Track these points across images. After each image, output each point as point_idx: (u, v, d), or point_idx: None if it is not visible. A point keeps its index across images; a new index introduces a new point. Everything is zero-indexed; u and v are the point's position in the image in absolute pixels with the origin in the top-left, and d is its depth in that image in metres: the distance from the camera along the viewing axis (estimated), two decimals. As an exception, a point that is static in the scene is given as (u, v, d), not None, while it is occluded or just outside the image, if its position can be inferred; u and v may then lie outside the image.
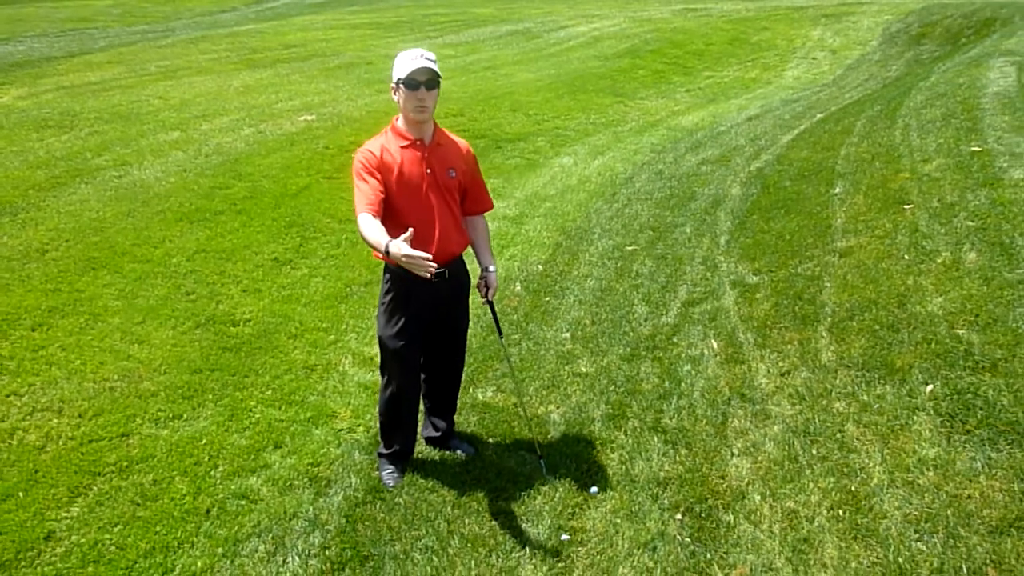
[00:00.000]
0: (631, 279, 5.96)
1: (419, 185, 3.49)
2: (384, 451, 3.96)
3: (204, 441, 4.19)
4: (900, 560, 2.92)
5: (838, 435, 3.68)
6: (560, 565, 3.26)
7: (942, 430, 3.50)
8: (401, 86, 3.38)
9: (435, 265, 3.06)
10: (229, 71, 13.47)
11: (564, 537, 3.40)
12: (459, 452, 4.05)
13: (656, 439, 3.98)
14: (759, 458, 3.68)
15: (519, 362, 4.90)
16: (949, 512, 3.07)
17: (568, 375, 4.73)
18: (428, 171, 3.51)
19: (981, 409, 3.53)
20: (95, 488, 3.83)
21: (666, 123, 11.47)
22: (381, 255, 3.22)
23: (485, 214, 3.89)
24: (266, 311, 5.66)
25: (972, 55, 11.12)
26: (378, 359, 3.88)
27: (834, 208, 6.28)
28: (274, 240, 6.86)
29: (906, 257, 5.03)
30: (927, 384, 3.80)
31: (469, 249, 3.80)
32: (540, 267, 6.39)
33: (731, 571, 3.07)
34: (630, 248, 6.58)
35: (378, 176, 3.41)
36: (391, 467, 3.93)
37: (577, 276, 6.15)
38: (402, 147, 3.48)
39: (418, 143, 3.51)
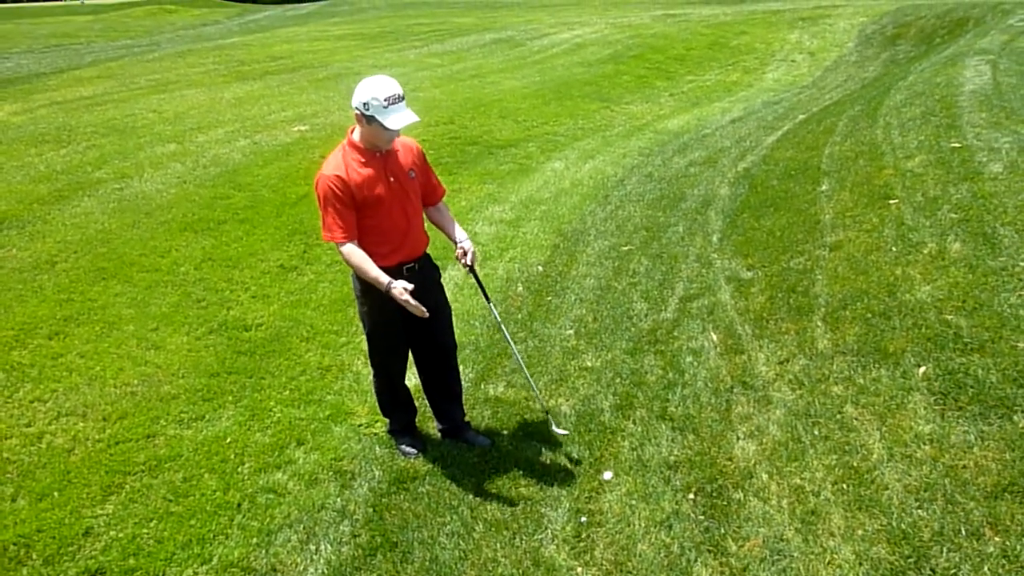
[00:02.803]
0: (629, 277, 6.16)
1: (386, 196, 3.62)
2: (395, 427, 4.30)
3: (228, 440, 4.34)
4: (903, 526, 3.12)
5: (838, 416, 3.88)
6: (581, 545, 3.44)
7: (936, 407, 3.71)
8: (377, 126, 3.47)
9: (427, 313, 3.58)
10: (219, 84, 13.59)
11: (583, 519, 3.58)
12: (476, 445, 4.22)
13: (664, 426, 4.16)
14: (764, 440, 3.87)
15: (527, 359, 5.07)
16: (946, 481, 3.27)
17: (575, 369, 4.91)
18: (391, 179, 3.65)
19: (972, 387, 3.74)
20: (127, 486, 3.96)
21: (652, 127, 11.71)
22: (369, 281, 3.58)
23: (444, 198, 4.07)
24: (276, 316, 5.80)
25: (947, 55, 11.45)
26: None
27: (821, 205, 6.51)
28: (278, 248, 7.00)
29: (894, 249, 5.25)
30: (920, 366, 4.01)
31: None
32: (540, 268, 6.57)
33: (745, 543, 3.26)
34: (626, 248, 6.78)
35: (348, 201, 3.54)
36: (406, 438, 4.26)
37: (576, 276, 6.33)
38: (363, 163, 3.59)
39: (378, 155, 3.63)
